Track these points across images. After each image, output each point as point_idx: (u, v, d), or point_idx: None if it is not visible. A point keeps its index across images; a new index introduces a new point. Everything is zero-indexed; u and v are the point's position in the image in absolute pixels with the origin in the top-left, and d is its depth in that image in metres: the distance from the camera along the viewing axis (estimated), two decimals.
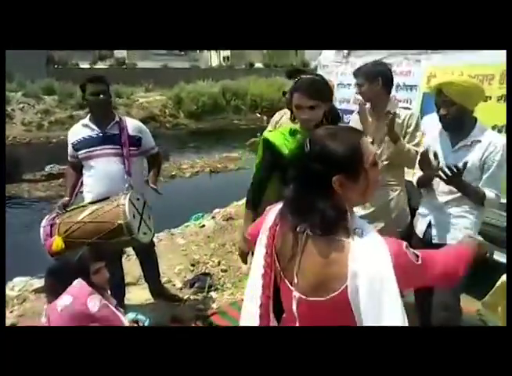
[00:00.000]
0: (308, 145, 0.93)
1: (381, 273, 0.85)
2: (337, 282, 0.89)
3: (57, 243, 1.91)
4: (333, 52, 3.58)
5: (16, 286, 3.14)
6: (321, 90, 1.65)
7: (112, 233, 2.00)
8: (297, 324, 0.99)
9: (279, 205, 1.06)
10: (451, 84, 1.76)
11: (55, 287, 1.48)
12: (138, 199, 2.27)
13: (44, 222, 2.09)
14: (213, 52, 45.95)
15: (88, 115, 2.41)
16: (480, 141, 1.81)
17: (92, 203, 2.19)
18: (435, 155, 1.81)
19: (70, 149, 2.40)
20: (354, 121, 2.36)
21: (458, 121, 1.81)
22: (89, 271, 1.54)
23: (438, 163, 1.80)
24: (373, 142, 2.07)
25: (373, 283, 0.85)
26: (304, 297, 0.94)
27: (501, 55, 2.33)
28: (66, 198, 2.34)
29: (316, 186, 0.92)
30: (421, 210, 2.08)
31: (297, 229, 0.95)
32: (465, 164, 1.74)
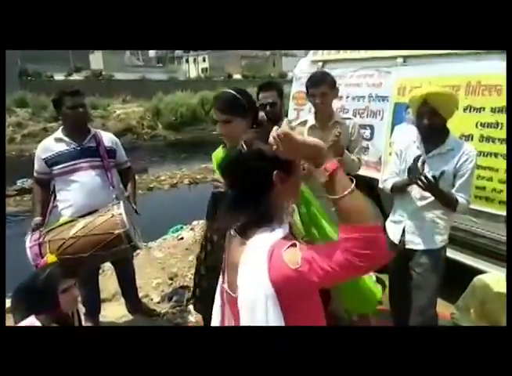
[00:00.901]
0: (244, 146, 0.96)
1: (258, 289, 0.86)
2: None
3: (51, 261, 1.87)
4: (308, 64, 3.66)
5: None
6: (233, 105, 1.66)
7: (111, 244, 2.00)
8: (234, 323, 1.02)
9: None
10: (437, 94, 1.81)
11: (21, 308, 1.40)
12: (128, 208, 2.25)
13: (29, 243, 2.01)
14: (191, 64, 46.09)
15: (60, 129, 2.35)
16: (453, 150, 1.88)
17: (81, 217, 2.13)
18: (423, 162, 1.85)
19: (40, 165, 2.30)
20: (297, 131, 2.33)
21: (437, 130, 1.88)
22: (57, 290, 1.45)
23: (423, 169, 1.83)
24: None
25: (252, 298, 0.87)
26: (232, 294, 0.98)
27: (465, 67, 2.45)
28: (39, 218, 2.24)
29: (257, 184, 0.95)
30: (394, 217, 2.12)
31: (231, 233, 1.00)
32: (442, 172, 1.81)
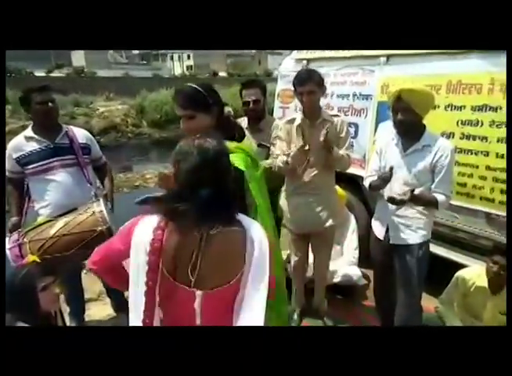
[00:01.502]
0: (211, 148, 1.07)
1: (267, 248, 1.07)
2: (237, 268, 1.06)
3: (33, 262, 1.81)
4: (293, 62, 3.67)
5: None
6: (196, 100, 1.59)
7: (93, 241, 1.93)
8: (198, 322, 1.07)
9: (151, 220, 1.07)
10: (410, 91, 1.85)
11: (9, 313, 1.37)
12: (106, 205, 2.21)
13: (8, 244, 1.96)
14: (176, 61, 45.65)
15: (30, 126, 2.26)
16: (430, 146, 1.92)
17: (60, 216, 2.08)
18: (391, 169, 1.89)
19: (11, 164, 2.21)
20: (285, 128, 2.30)
21: (412, 126, 1.91)
22: (35, 289, 1.43)
23: (391, 174, 1.88)
24: (309, 150, 2.11)
25: (264, 255, 1.06)
26: (207, 291, 1.05)
27: (446, 66, 2.51)
28: (16, 218, 2.20)
29: (224, 181, 1.06)
30: (378, 213, 2.16)
31: (195, 233, 1.04)
32: (412, 190, 1.83)
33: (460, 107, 2.43)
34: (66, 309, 2.35)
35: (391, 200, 1.87)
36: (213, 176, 1.04)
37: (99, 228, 1.98)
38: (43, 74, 24.27)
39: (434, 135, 1.98)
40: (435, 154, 1.89)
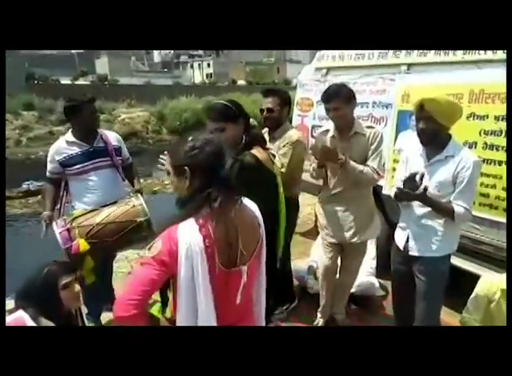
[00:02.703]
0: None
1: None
2: (258, 237, 1.22)
3: (83, 244, 2.05)
4: (312, 70, 3.69)
5: None
6: (225, 113, 1.85)
7: (133, 230, 2.19)
8: (238, 301, 1.16)
9: (184, 227, 1.09)
10: (432, 101, 1.83)
11: (28, 309, 1.39)
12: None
13: (57, 229, 2.14)
14: (196, 70, 46.38)
15: (70, 132, 2.48)
16: (453, 156, 1.88)
17: (102, 207, 2.30)
18: (422, 176, 1.85)
19: (53, 165, 2.45)
20: (320, 141, 2.31)
21: (434, 136, 1.88)
22: (57, 287, 1.47)
23: (421, 184, 1.84)
24: (324, 166, 2.22)
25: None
26: (248, 265, 1.16)
27: (469, 75, 2.47)
28: (49, 212, 2.41)
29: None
30: (400, 223, 2.14)
31: (232, 211, 1.13)
32: (425, 188, 1.81)
33: (483, 117, 2.39)
34: (84, 310, 2.40)
35: (399, 191, 1.87)
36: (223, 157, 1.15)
37: (140, 219, 2.21)
38: (68, 82, 25.04)
39: (459, 146, 1.94)
40: (457, 165, 1.85)
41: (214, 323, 1.09)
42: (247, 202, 1.21)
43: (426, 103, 1.83)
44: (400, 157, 2.33)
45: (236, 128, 1.86)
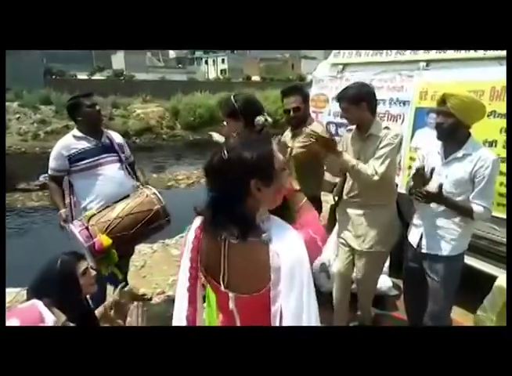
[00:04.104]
0: (226, 153, 0.99)
1: (299, 260, 0.98)
2: (265, 279, 0.99)
3: (105, 239, 2.09)
4: (328, 66, 3.65)
5: (6, 297, 3.09)
6: (228, 110, 1.92)
7: (150, 220, 2.25)
8: (238, 323, 1.08)
9: (198, 220, 1.11)
10: (454, 96, 1.81)
11: (46, 301, 1.40)
12: None
13: (75, 229, 2.16)
14: (210, 65, 46.46)
15: (76, 128, 2.52)
16: (470, 154, 1.85)
17: (115, 203, 2.33)
18: (432, 171, 1.83)
19: (60, 163, 2.44)
20: (344, 138, 2.35)
21: (451, 131, 1.85)
22: (75, 274, 1.50)
23: (430, 178, 1.83)
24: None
25: (292, 269, 0.97)
26: (239, 295, 1.04)
27: (490, 72, 2.41)
28: (64, 210, 2.45)
29: (235, 191, 0.99)
30: (415, 220, 2.11)
31: (218, 239, 1.03)
32: (440, 185, 1.78)
33: (504, 115, 2.32)
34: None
35: (415, 191, 1.85)
36: (220, 183, 1.00)
37: (156, 207, 2.28)
38: (85, 77, 25.37)
39: (477, 144, 1.91)
40: (475, 164, 1.83)
41: (183, 320, 1.09)
42: (257, 243, 1.00)
43: (448, 97, 1.81)
44: (417, 154, 2.30)
45: (236, 124, 1.88)
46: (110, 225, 2.15)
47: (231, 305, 1.07)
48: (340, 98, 2.17)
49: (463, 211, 1.87)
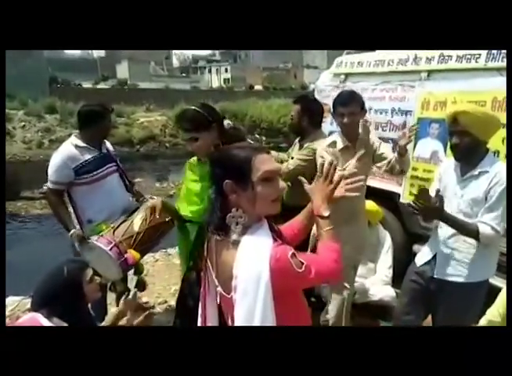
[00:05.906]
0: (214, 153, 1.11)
1: (257, 275, 0.97)
2: (231, 280, 1.02)
3: (135, 254, 2.13)
4: (330, 76, 3.67)
5: (8, 305, 3.08)
6: (196, 122, 1.71)
7: (165, 230, 2.29)
8: (229, 322, 1.11)
9: None
10: (467, 113, 1.68)
11: (53, 309, 1.39)
12: None
13: (105, 247, 2.07)
14: (213, 74, 46.83)
15: (74, 136, 2.38)
16: (487, 172, 1.71)
17: (129, 215, 2.29)
18: (437, 192, 1.72)
19: (64, 174, 2.27)
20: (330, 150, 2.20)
21: (470, 151, 1.73)
22: (81, 282, 1.49)
23: (440, 200, 1.69)
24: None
25: (247, 284, 0.98)
26: (223, 293, 1.08)
27: (492, 81, 2.42)
28: (77, 230, 2.26)
29: (214, 189, 1.08)
30: (429, 242, 1.96)
31: (209, 234, 1.11)
32: (441, 200, 1.67)
33: (506, 125, 2.33)
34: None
35: (414, 204, 1.71)
36: (209, 180, 1.11)
37: (167, 218, 2.24)
38: (89, 86, 25.65)
39: (495, 160, 1.80)
40: (491, 181, 1.69)
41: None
42: (229, 242, 1.03)
43: (460, 115, 1.68)
44: (435, 174, 2.14)
45: (209, 135, 1.73)
46: (136, 240, 2.18)
47: (218, 300, 1.14)
48: (350, 101, 2.06)
49: (465, 231, 1.72)
